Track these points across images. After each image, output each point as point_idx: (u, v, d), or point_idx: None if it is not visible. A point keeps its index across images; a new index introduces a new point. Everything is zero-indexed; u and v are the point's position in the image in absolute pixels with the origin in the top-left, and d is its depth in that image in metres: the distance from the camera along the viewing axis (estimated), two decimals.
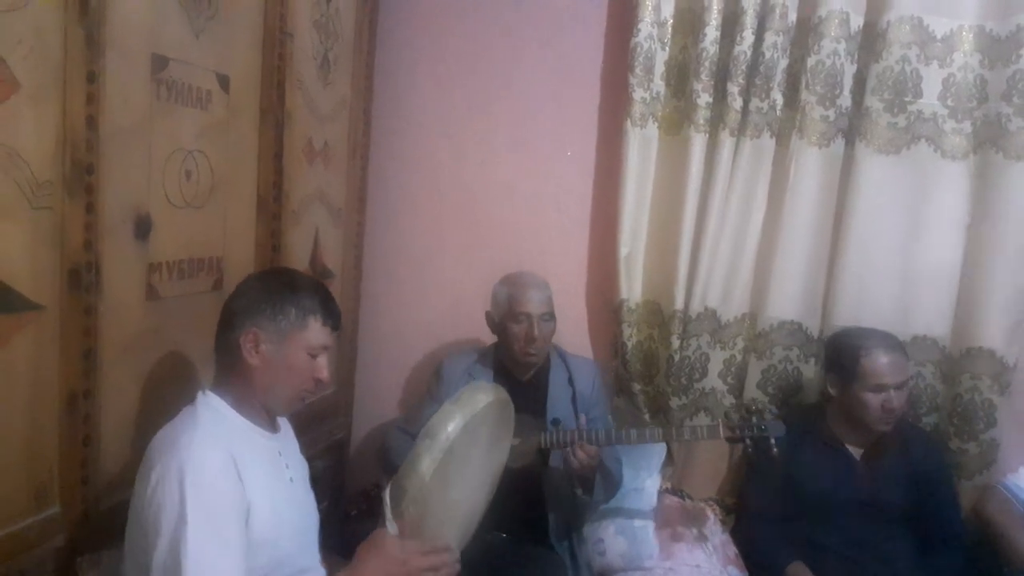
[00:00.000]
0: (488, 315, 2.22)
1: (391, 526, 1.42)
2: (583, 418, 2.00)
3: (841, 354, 2.15)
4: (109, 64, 1.40)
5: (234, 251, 1.83)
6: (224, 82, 1.76)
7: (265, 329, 1.38)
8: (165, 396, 1.55)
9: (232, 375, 1.40)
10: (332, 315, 1.45)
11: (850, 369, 2.10)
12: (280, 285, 1.42)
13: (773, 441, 1.90)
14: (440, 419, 1.48)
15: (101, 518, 1.45)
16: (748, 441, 1.91)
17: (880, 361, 2.07)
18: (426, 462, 1.42)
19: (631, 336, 2.46)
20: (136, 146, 1.50)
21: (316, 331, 1.41)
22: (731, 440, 1.94)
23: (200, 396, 1.39)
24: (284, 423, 1.57)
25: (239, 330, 1.37)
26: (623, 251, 2.42)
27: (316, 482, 2.19)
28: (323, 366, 1.44)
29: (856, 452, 2.16)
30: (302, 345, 1.40)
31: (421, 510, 1.44)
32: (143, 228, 1.54)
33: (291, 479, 1.49)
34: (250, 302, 1.39)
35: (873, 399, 2.07)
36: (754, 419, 1.93)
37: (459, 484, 1.57)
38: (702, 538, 2.21)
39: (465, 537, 1.67)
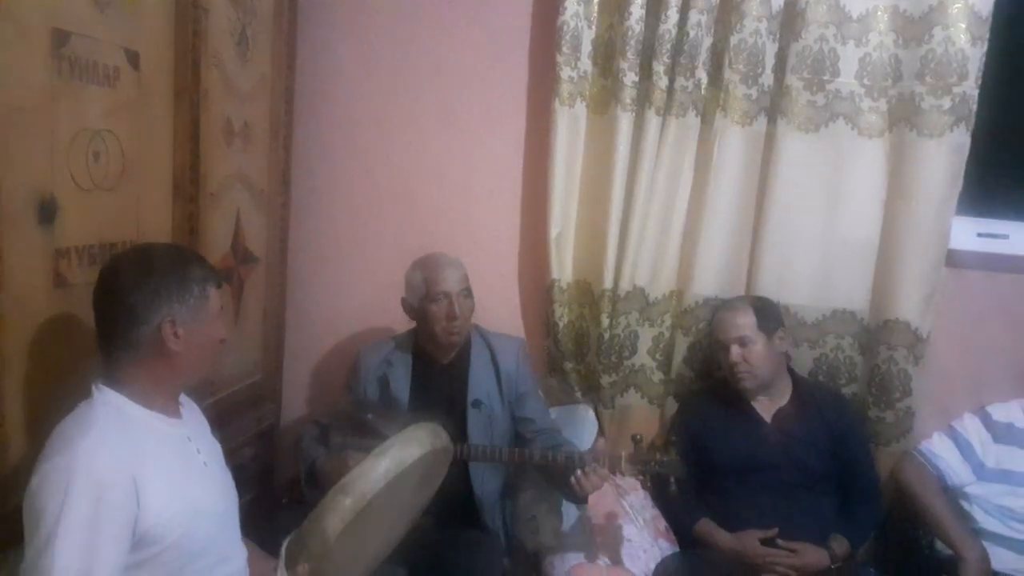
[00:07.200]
0: (404, 301, 2.19)
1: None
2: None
3: None
4: (4, 39, 1.32)
5: (149, 235, 1.76)
6: (133, 59, 1.68)
7: (178, 313, 1.36)
8: (76, 389, 1.48)
9: (135, 367, 1.36)
10: (218, 275, 1.47)
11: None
12: (170, 265, 1.39)
13: (672, 480, 1.92)
14: (361, 475, 1.39)
15: (8, 517, 1.37)
16: (646, 477, 1.93)
17: (715, 320, 2.31)
18: (334, 522, 1.35)
19: (562, 316, 2.47)
20: (37, 127, 1.42)
21: (215, 297, 1.44)
22: (631, 474, 1.94)
23: (96, 392, 1.35)
24: (189, 406, 1.54)
25: (151, 322, 1.34)
26: (553, 231, 2.42)
27: (244, 470, 2.17)
28: (222, 326, 1.48)
29: (767, 415, 2.24)
30: (211, 316, 1.42)
31: (321, 566, 1.38)
32: (48, 212, 1.46)
33: (204, 463, 1.47)
34: (151, 291, 1.34)
35: (723, 357, 2.23)
36: (656, 455, 1.92)
37: (372, 532, 1.51)
38: (632, 513, 2.24)
39: (370, 570, 1.63)
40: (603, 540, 2.15)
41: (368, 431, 1.89)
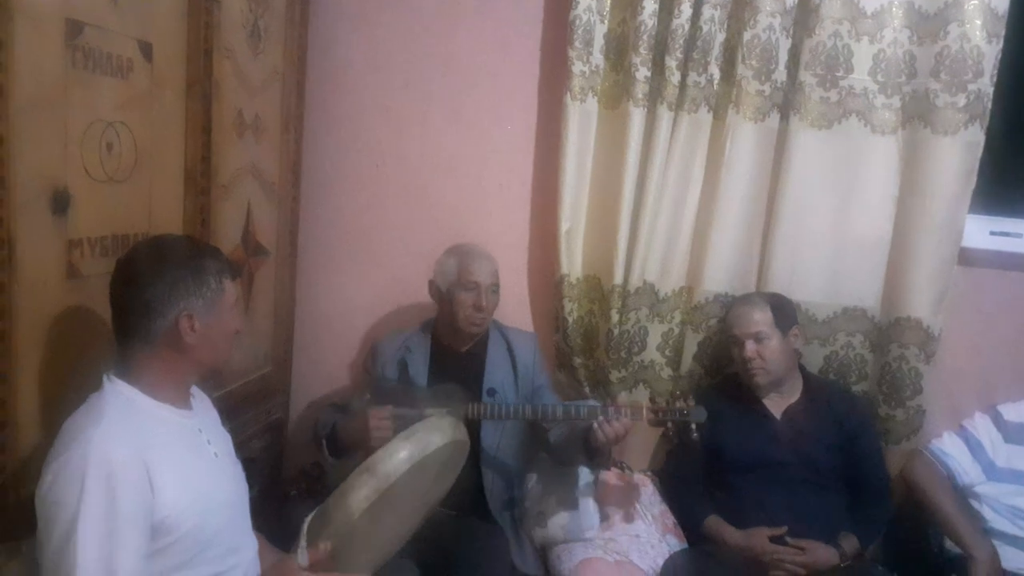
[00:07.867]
0: (432, 284, 2.21)
1: (302, 556, 1.38)
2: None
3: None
4: (19, 30, 1.33)
5: (160, 227, 1.77)
6: (146, 50, 1.68)
7: (195, 308, 1.36)
8: (88, 379, 1.49)
9: (149, 359, 1.36)
10: (234, 267, 1.48)
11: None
12: (186, 259, 1.39)
13: (694, 426, 1.94)
14: (386, 455, 1.42)
15: (20, 506, 1.38)
16: (670, 425, 1.95)
17: (730, 314, 2.28)
18: (359, 499, 1.38)
19: (572, 311, 2.47)
20: (51, 117, 1.43)
21: (231, 290, 1.44)
22: (653, 423, 1.97)
23: (107, 383, 1.35)
24: (200, 398, 1.54)
25: (167, 317, 1.35)
26: (564, 226, 2.42)
27: (254, 462, 2.18)
28: (237, 317, 1.48)
29: (777, 412, 2.24)
30: (226, 308, 1.43)
31: (342, 544, 1.40)
32: (61, 203, 1.47)
33: (215, 454, 1.47)
34: (168, 286, 1.35)
35: (737, 352, 2.22)
36: (677, 404, 1.95)
37: (391, 517, 1.52)
38: (641, 509, 2.24)
39: (383, 560, 1.64)
40: (611, 535, 2.15)
41: (389, 398, 1.91)
